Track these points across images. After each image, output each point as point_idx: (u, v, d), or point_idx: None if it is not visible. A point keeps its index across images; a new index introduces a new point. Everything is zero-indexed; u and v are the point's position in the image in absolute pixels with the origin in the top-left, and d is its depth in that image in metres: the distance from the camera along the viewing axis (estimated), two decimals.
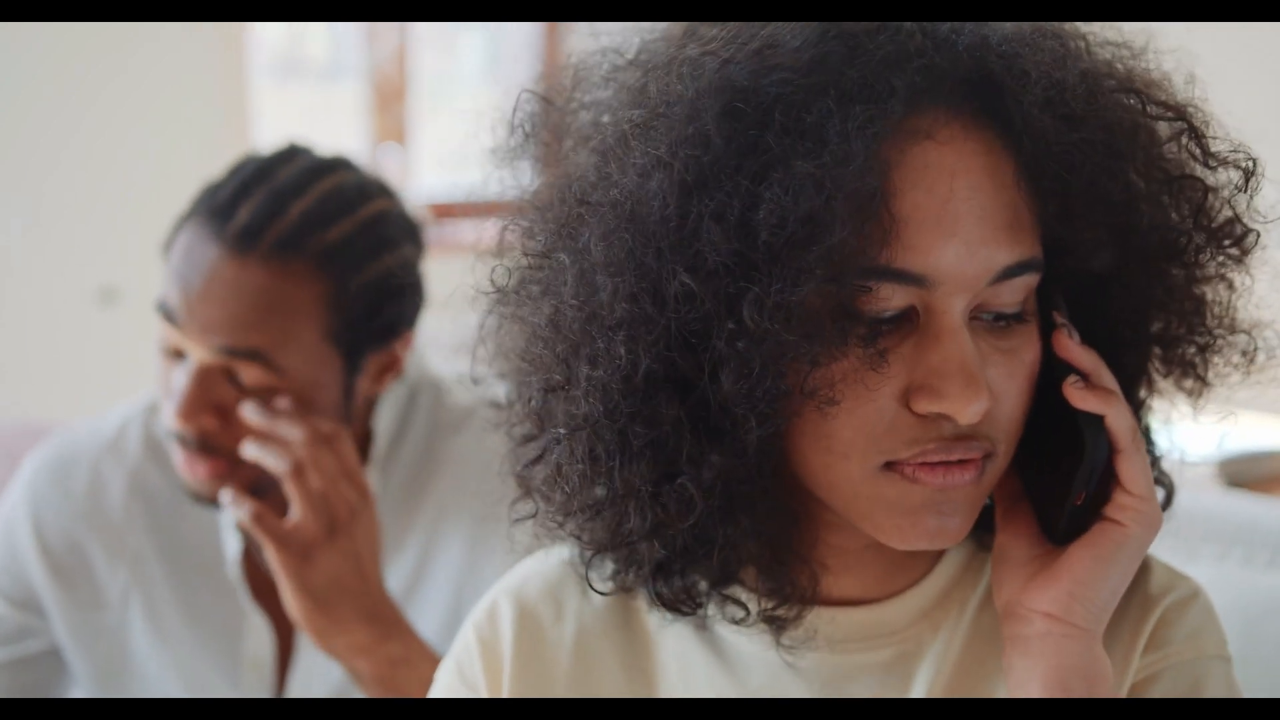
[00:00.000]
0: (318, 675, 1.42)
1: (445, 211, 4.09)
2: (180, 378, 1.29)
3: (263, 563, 1.43)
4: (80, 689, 1.45)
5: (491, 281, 0.84)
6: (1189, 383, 0.88)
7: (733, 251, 0.72)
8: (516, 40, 4.32)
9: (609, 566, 0.88)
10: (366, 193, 1.34)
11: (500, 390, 0.94)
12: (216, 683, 1.42)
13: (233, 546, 1.41)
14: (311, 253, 1.28)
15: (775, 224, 0.72)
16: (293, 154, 1.35)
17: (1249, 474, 2.16)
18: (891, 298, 0.75)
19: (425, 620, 1.42)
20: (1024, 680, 0.79)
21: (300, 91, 4.46)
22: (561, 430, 0.78)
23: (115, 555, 1.42)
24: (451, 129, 4.19)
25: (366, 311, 1.33)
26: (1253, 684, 0.92)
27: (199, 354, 1.27)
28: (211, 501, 1.33)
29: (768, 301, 0.72)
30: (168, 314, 1.29)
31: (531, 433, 0.86)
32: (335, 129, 4.26)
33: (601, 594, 0.90)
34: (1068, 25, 0.81)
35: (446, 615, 1.43)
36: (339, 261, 1.29)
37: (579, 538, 0.85)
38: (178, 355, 1.30)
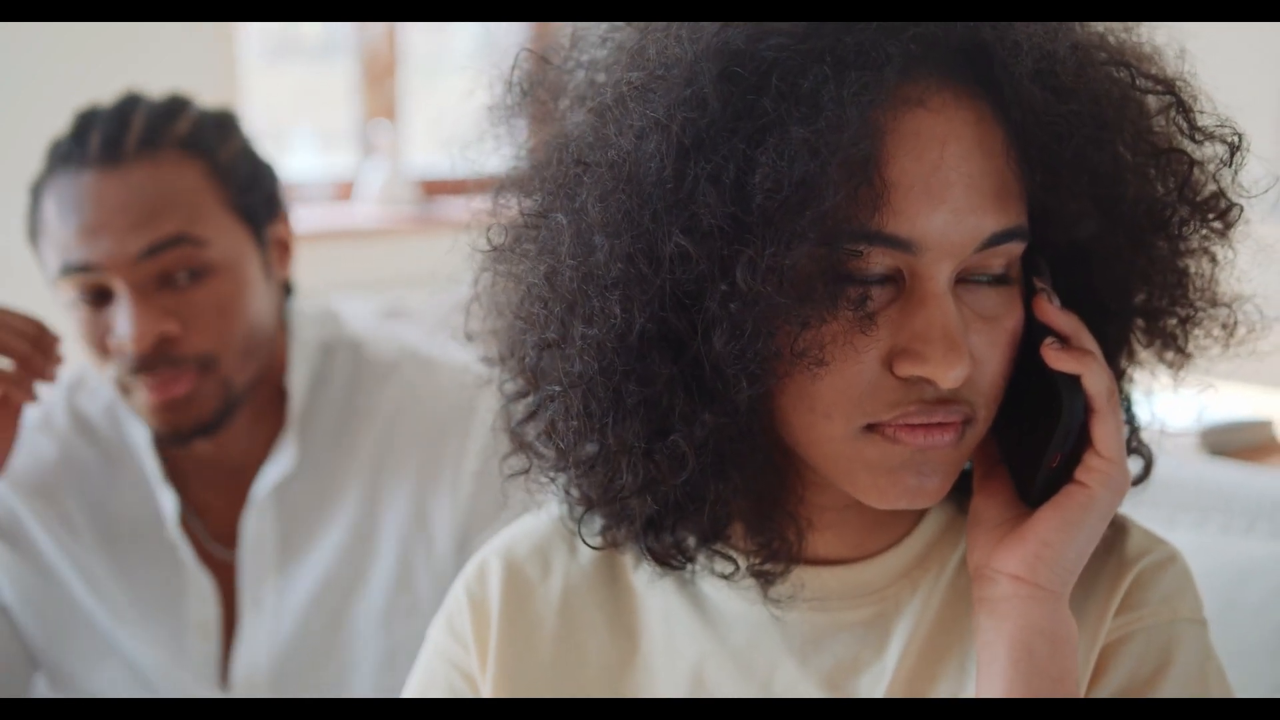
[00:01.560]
0: (264, 634, 1.44)
1: (435, 188, 4.09)
2: (119, 311, 1.32)
3: (197, 526, 1.46)
4: (41, 665, 1.46)
5: (488, 239, 0.85)
6: (1170, 355, 0.89)
7: (727, 214, 0.73)
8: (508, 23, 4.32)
9: (598, 523, 0.89)
10: (181, 100, 1.43)
11: (467, 350, 0.95)
12: (161, 649, 1.44)
13: (169, 507, 1.44)
14: (172, 141, 1.35)
15: (770, 188, 0.72)
16: (96, 104, 1.41)
17: (1230, 443, 2.17)
18: (880, 262, 0.76)
19: (373, 575, 1.44)
20: (990, 641, 0.81)
21: (292, 70, 4.45)
22: (556, 387, 0.79)
23: (48, 520, 1.44)
24: (442, 105, 4.19)
25: (248, 179, 1.40)
26: (1229, 648, 0.93)
27: (126, 275, 1.31)
28: (192, 431, 1.37)
29: (760, 264, 0.73)
30: (74, 267, 1.32)
31: (524, 389, 0.87)
32: (327, 106, 4.26)
33: (593, 548, 0.91)
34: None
35: (394, 570, 1.45)
36: (200, 143, 1.37)
37: (570, 493, 0.87)
38: (100, 298, 1.34)
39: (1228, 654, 0.89)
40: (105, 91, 1.42)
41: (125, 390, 1.37)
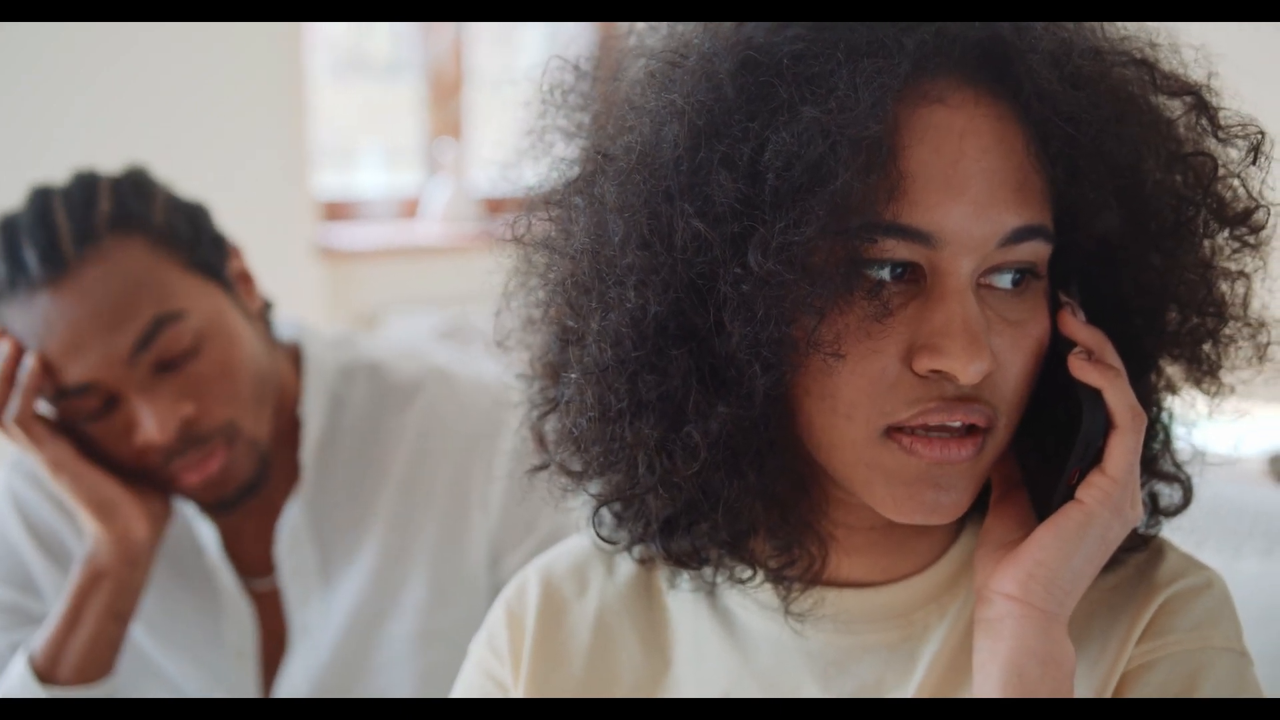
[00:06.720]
0: (303, 658, 1.45)
1: (499, 206, 4.12)
2: (138, 411, 1.29)
3: (231, 556, 1.47)
4: None
5: (515, 239, 0.86)
6: (1204, 379, 0.87)
7: (740, 195, 0.74)
8: (573, 36, 4.34)
9: (624, 533, 0.90)
10: (88, 176, 1.36)
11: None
12: (202, 675, 1.45)
13: (209, 537, 1.44)
14: (104, 227, 1.30)
15: (781, 167, 0.73)
16: (5, 213, 1.35)
17: None
18: (897, 254, 0.76)
19: (406, 596, 1.44)
20: (984, 662, 0.79)
21: (359, 88, 4.50)
22: (575, 376, 0.80)
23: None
24: (507, 124, 4.19)
25: (188, 231, 1.35)
26: None
27: (125, 377, 1.28)
28: (237, 496, 1.36)
29: (772, 243, 0.73)
30: (76, 390, 1.29)
31: (548, 388, 0.88)
32: (393, 124, 4.30)
33: (604, 540, 0.91)
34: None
35: (428, 591, 1.45)
36: (130, 216, 1.31)
37: (589, 490, 0.87)
38: (109, 407, 1.30)
39: None
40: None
41: (167, 481, 1.35)
